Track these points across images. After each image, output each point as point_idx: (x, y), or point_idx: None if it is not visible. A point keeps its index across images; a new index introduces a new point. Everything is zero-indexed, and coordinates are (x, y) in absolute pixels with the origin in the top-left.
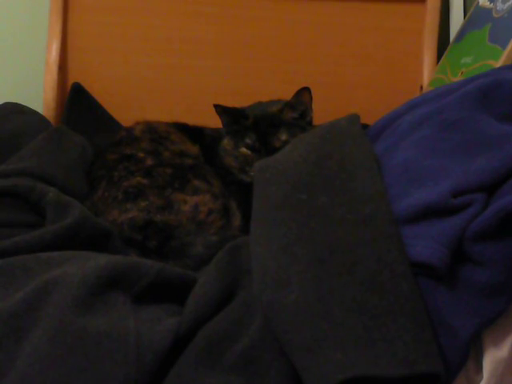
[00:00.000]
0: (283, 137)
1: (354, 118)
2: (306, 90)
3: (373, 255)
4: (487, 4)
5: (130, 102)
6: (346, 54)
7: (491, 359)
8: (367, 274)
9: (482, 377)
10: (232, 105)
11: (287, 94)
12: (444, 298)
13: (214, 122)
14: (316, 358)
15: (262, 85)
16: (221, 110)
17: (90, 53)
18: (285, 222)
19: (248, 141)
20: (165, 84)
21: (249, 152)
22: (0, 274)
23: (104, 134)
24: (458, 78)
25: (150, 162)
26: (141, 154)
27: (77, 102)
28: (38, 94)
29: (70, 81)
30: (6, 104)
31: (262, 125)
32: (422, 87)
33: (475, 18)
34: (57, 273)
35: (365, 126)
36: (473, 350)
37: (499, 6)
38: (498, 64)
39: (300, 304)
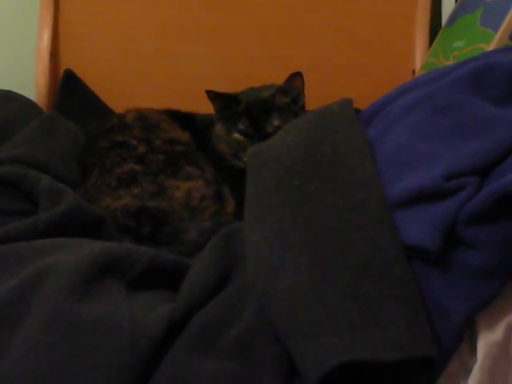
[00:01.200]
0: (276, 122)
1: (346, 103)
2: (298, 75)
3: (366, 240)
4: None
5: (123, 88)
6: (339, 38)
7: (485, 342)
8: (361, 258)
9: (476, 360)
10: (224, 90)
11: (280, 79)
12: (437, 281)
13: (207, 107)
14: (310, 343)
15: (254, 70)
16: (213, 95)
17: (82, 39)
18: (278, 207)
19: (241, 126)
20: (157, 70)
21: (241, 137)
22: None
23: (96, 120)
24: (450, 62)
25: (142, 149)
26: (133, 141)
27: (69, 88)
28: (30, 81)
29: (62, 68)
30: None
31: (255, 110)
32: (414, 71)
33: (467, 1)
34: (50, 260)
35: (357, 111)
36: (466, 334)
37: None
38: (490, 47)
39: (294, 289)
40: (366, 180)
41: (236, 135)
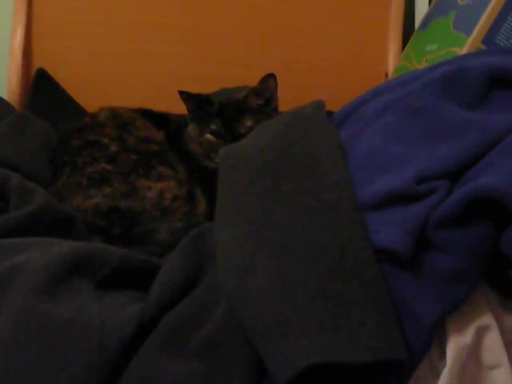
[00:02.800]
0: (248, 123)
1: (318, 105)
2: (271, 77)
3: (337, 242)
4: None
5: (95, 87)
6: (312, 40)
7: (454, 346)
8: (331, 260)
9: (446, 363)
10: (197, 91)
11: (253, 80)
12: (408, 284)
13: (180, 107)
14: (280, 345)
15: (227, 71)
16: (186, 96)
17: (55, 38)
18: (249, 208)
19: (213, 127)
20: (130, 70)
21: (214, 138)
22: None
23: (68, 119)
24: (423, 65)
25: (114, 148)
26: (105, 140)
27: (41, 87)
28: (2, 79)
29: (35, 66)
30: None
31: (227, 111)
32: (387, 74)
33: (440, 5)
34: (20, 259)
35: (330, 113)
36: (436, 337)
37: None
38: (463, 51)
39: (264, 290)
40: (338, 182)
41: (208, 136)
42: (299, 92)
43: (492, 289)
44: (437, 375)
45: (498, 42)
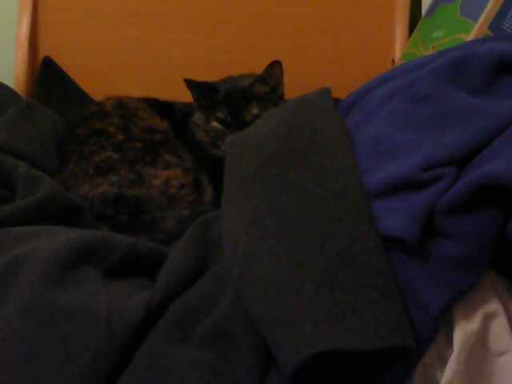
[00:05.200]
0: (254, 111)
1: (325, 92)
2: (277, 64)
3: (344, 229)
4: None
5: (101, 76)
6: (318, 28)
7: (462, 333)
8: (338, 247)
9: (453, 350)
10: (203, 79)
11: (258, 67)
12: (414, 271)
13: (186, 95)
14: (287, 332)
15: (232, 59)
16: (191, 84)
17: (61, 27)
18: (256, 196)
19: (219, 115)
20: (136, 58)
21: (220, 126)
22: None
23: (75, 108)
24: (430, 52)
25: (120, 136)
26: (111, 129)
27: (48, 76)
28: (8, 68)
29: (41, 55)
30: None
31: (233, 99)
32: (393, 61)
33: None
34: (27, 247)
35: (336, 100)
36: (443, 324)
37: None
38: (469, 38)
39: (271, 278)
40: (345, 169)
41: (214, 124)
42: (305, 79)
43: (499, 275)
44: (444, 362)
45: (504, 28)
